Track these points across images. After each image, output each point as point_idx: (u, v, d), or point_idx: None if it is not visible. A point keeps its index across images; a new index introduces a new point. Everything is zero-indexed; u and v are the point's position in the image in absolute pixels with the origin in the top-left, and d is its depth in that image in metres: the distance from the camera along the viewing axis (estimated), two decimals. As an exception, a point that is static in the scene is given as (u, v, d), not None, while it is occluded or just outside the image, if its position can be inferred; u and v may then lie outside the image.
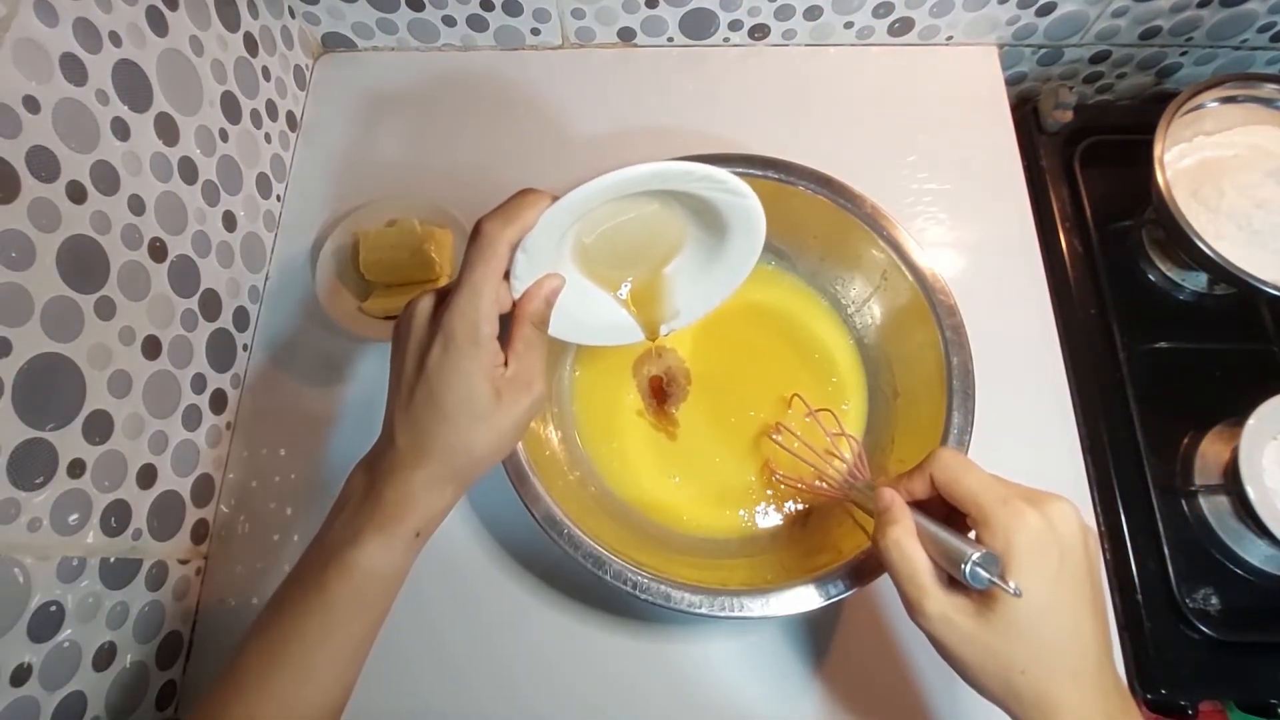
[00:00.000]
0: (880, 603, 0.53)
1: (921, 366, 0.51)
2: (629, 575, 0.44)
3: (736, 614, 0.43)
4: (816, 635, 0.52)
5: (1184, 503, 0.57)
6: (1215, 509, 0.56)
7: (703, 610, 0.43)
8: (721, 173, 0.36)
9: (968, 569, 0.33)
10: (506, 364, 0.36)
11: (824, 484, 0.49)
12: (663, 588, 0.44)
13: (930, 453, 0.37)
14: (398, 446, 0.35)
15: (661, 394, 0.55)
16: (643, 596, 0.44)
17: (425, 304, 0.36)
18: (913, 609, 0.35)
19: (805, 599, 0.43)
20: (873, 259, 0.53)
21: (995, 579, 0.32)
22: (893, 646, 0.52)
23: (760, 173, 0.53)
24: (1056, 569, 0.33)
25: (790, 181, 0.52)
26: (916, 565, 0.34)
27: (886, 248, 0.51)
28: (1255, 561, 0.55)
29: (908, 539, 0.35)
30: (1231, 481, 0.53)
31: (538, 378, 0.37)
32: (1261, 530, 0.52)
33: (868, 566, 0.44)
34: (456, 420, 0.34)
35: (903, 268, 0.51)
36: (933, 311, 0.49)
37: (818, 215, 0.53)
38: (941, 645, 0.34)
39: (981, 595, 0.33)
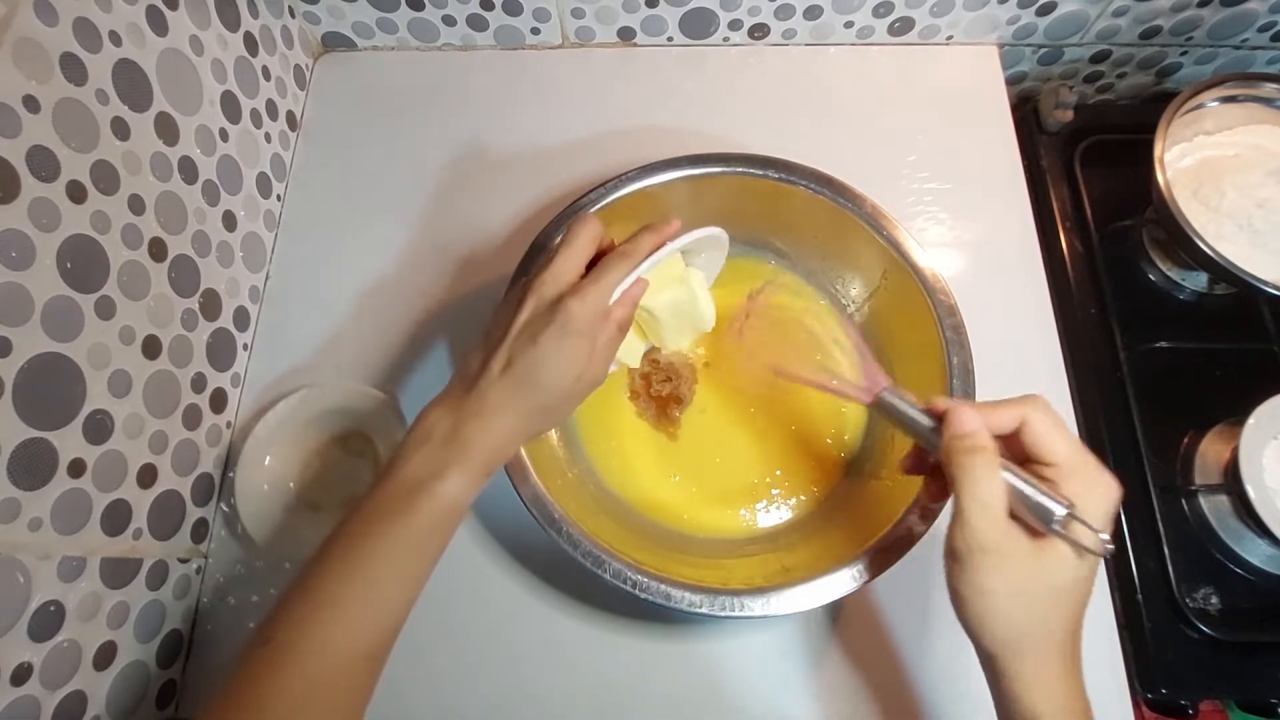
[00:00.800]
0: (881, 602, 0.53)
1: (921, 366, 0.51)
2: (629, 575, 0.44)
3: (737, 614, 0.43)
4: (817, 634, 0.52)
5: (1184, 502, 0.57)
6: (1215, 509, 0.56)
7: (703, 610, 0.43)
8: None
9: (1058, 514, 0.33)
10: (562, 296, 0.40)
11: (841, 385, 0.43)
12: (663, 587, 0.44)
13: (1024, 397, 0.37)
14: (488, 400, 0.39)
15: (658, 396, 0.55)
16: (642, 596, 0.44)
17: (552, 286, 0.40)
18: (975, 538, 0.34)
19: (806, 598, 0.43)
20: (873, 259, 0.53)
21: (1093, 532, 0.33)
22: (893, 645, 0.52)
23: (760, 172, 0.53)
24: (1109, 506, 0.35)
25: (790, 181, 0.52)
26: (998, 497, 0.34)
27: (887, 247, 0.51)
28: (1255, 561, 0.55)
29: (998, 473, 0.35)
30: (1232, 481, 0.53)
31: (606, 371, 0.42)
32: (1261, 530, 0.52)
33: (869, 564, 0.44)
34: (549, 393, 0.39)
35: (903, 267, 0.51)
36: (933, 311, 0.49)
37: (818, 215, 0.53)
38: (976, 581, 0.35)
39: (1037, 542, 0.34)
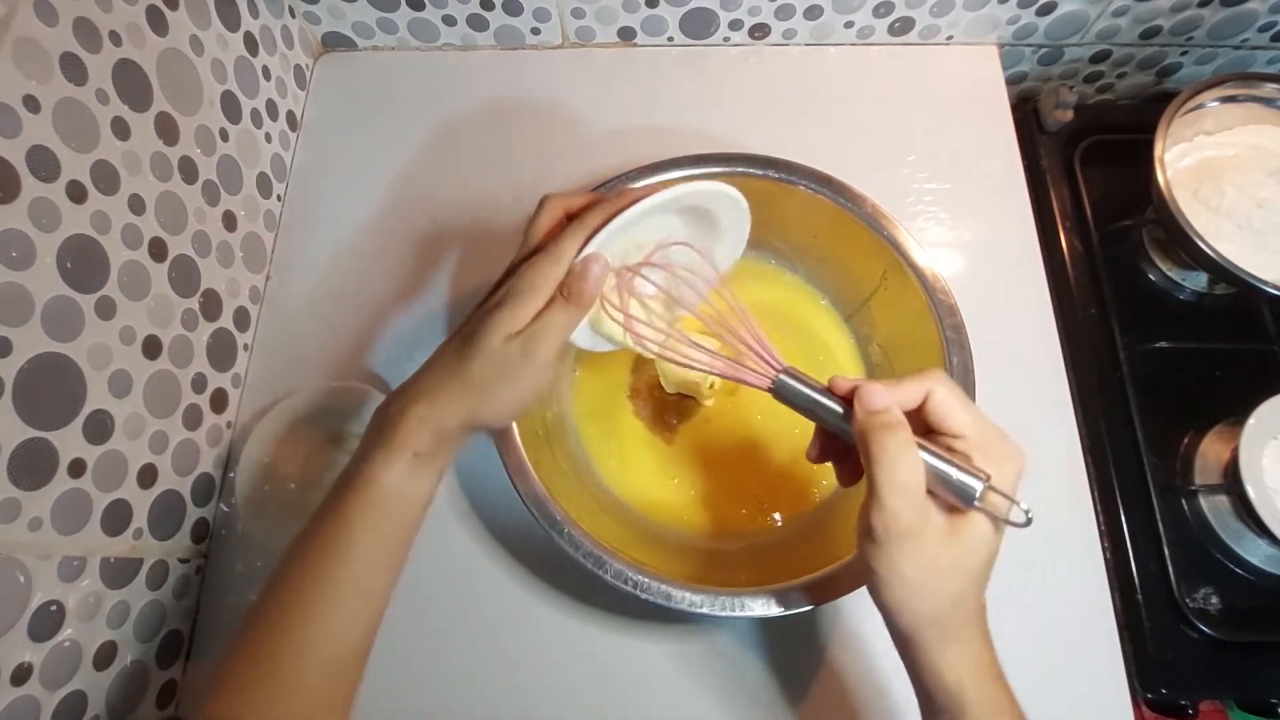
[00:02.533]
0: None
1: (922, 366, 0.50)
2: (629, 575, 0.44)
3: (737, 613, 0.43)
4: (818, 634, 0.52)
5: (1184, 502, 0.57)
6: (1215, 508, 0.56)
7: (703, 610, 0.43)
8: (732, 189, 0.43)
9: (979, 489, 0.32)
10: (524, 332, 0.38)
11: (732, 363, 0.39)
12: (663, 587, 0.44)
13: (925, 371, 0.35)
14: (420, 382, 0.38)
15: (658, 399, 0.55)
16: (643, 595, 0.44)
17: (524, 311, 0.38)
18: (895, 522, 0.33)
19: (806, 598, 0.43)
20: (873, 259, 0.53)
21: (1013, 503, 0.33)
22: (891, 645, 0.52)
23: (760, 172, 0.53)
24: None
25: (791, 181, 0.52)
26: (917, 476, 0.33)
27: (887, 247, 0.51)
28: (1255, 561, 0.55)
29: (913, 446, 0.33)
30: (1232, 481, 0.53)
31: (552, 347, 0.38)
32: (1261, 530, 0.52)
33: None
34: (481, 364, 0.37)
35: (903, 267, 0.51)
36: (933, 311, 0.49)
37: (818, 215, 0.53)
38: (896, 564, 0.34)
39: (954, 520, 0.34)
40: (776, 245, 0.58)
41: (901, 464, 0.33)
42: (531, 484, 0.46)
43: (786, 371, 0.38)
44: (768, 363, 0.38)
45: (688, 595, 0.44)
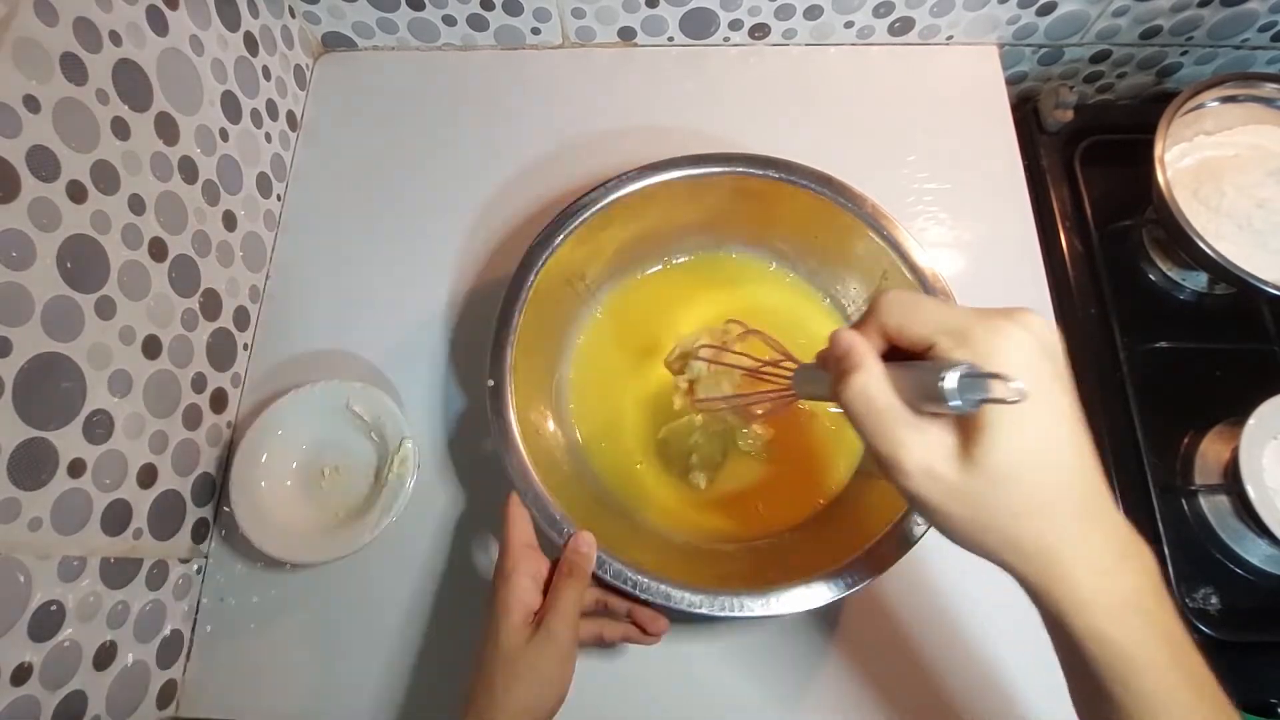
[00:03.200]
0: (881, 601, 0.53)
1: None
2: (629, 575, 0.44)
3: (737, 613, 0.43)
4: (818, 634, 0.52)
5: (1184, 502, 0.57)
6: (1215, 508, 0.56)
7: (703, 610, 0.43)
8: None
9: (952, 383, 0.26)
10: (540, 618, 0.41)
11: (758, 393, 0.43)
12: (663, 587, 0.44)
13: (873, 298, 0.31)
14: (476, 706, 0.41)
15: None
16: (643, 596, 0.44)
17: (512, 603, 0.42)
18: (890, 466, 0.29)
19: (806, 598, 0.43)
20: (873, 259, 0.53)
21: (991, 388, 0.26)
22: (894, 644, 0.52)
23: (760, 172, 0.53)
24: (1050, 383, 0.28)
25: (791, 181, 0.52)
26: (888, 411, 0.29)
27: (887, 248, 0.51)
28: (1255, 561, 0.55)
29: (875, 381, 0.29)
30: (1232, 481, 0.53)
31: (566, 628, 0.41)
32: (1261, 530, 0.52)
33: (869, 564, 0.44)
34: (533, 689, 0.40)
35: (903, 268, 0.51)
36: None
37: (818, 215, 0.53)
38: (925, 505, 0.29)
39: (965, 434, 0.28)
40: (777, 246, 0.58)
41: (860, 404, 0.29)
42: (531, 483, 0.46)
43: (799, 370, 0.39)
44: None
45: (687, 595, 0.44)
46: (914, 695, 0.51)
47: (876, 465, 0.30)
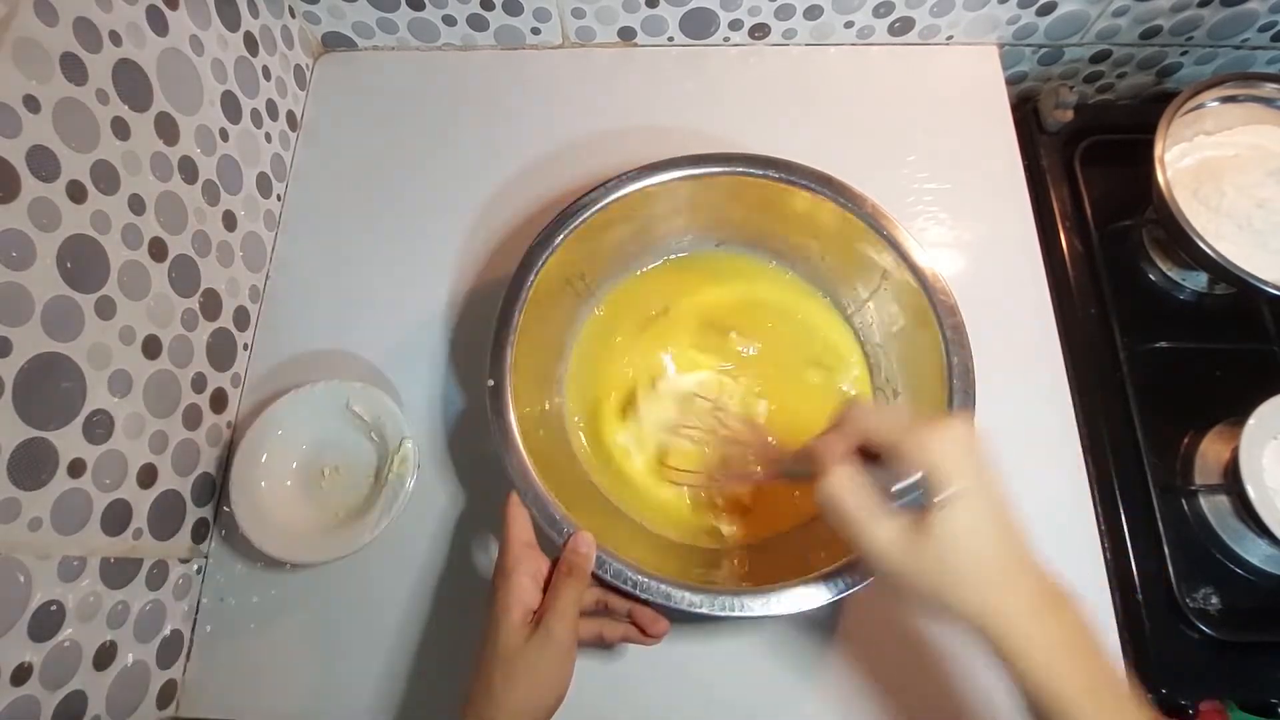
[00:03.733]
0: (881, 602, 0.53)
1: (922, 366, 0.51)
2: (629, 575, 0.44)
3: (737, 613, 0.43)
4: (817, 635, 0.52)
5: (1184, 502, 0.57)
6: (1215, 508, 0.56)
7: (703, 610, 0.43)
8: None
9: (904, 489, 0.35)
10: (540, 617, 0.41)
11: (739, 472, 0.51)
12: (663, 587, 0.44)
13: (837, 411, 0.39)
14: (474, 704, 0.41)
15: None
16: (643, 595, 0.44)
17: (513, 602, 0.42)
18: (862, 545, 0.36)
19: (806, 598, 0.43)
20: (873, 259, 0.53)
21: (933, 496, 0.34)
22: (893, 645, 0.52)
23: (761, 172, 0.53)
24: (974, 476, 0.35)
25: (791, 181, 0.52)
26: (856, 505, 0.36)
27: (887, 248, 0.51)
28: (1255, 561, 0.55)
29: (844, 482, 0.36)
30: (1232, 481, 0.53)
31: (566, 628, 0.41)
32: (1261, 530, 0.52)
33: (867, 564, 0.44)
34: (533, 689, 0.41)
35: (903, 268, 0.51)
36: (933, 311, 0.49)
37: (818, 215, 0.53)
38: (891, 576, 0.36)
39: (916, 520, 0.35)
40: (777, 245, 0.58)
41: (834, 502, 0.36)
42: (531, 483, 0.46)
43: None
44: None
45: (687, 595, 0.44)
46: (914, 695, 0.51)
47: (855, 548, 0.37)
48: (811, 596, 0.43)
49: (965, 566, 0.35)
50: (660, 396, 0.54)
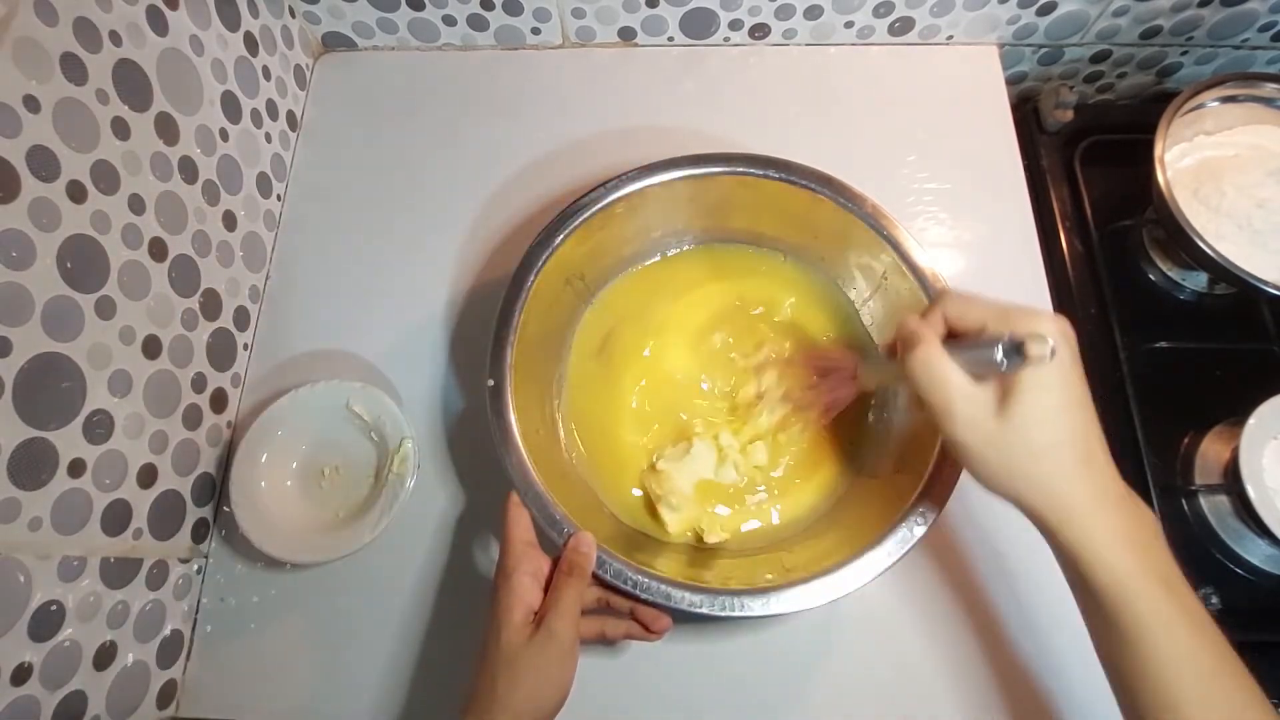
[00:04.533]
0: (881, 601, 0.53)
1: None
2: (629, 575, 0.44)
3: (737, 613, 0.43)
4: (817, 635, 0.52)
5: (1184, 502, 0.57)
6: (1215, 508, 0.56)
7: (703, 610, 0.43)
8: None
9: (1000, 350, 0.34)
10: (541, 617, 0.41)
11: (823, 391, 0.50)
12: (663, 587, 0.44)
13: (936, 294, 0.41)
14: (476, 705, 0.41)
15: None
16: (643, 595, 0.44)
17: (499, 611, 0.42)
18: (943, 417, 0.36)
19: (806, 598, 0.43)
20: (874, 259, 0.53)
21: (1030, 356, 0.33)
22: (893, 645, 0.52)
23: (761, 172, 0.53)
24: (1067, 363, 0.35)
25: (791, 181, 0.52)
26: (944, 375, 0.36)
27: (888, 248, 0.51)
28: (1255, 561, 0.55)
29: (934, 352, 0.36)
30: (1232, 481, 0.53)
31: (567, 627, 0.41)
32: (1262, 530, 0.52)
33: (866, 565, 0.44)
34: (536, 689, 0.40)
35: (904, 268, 0.51)
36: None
37: (819, 215, 0.53)
38: (967, 449, 0.36)
39: (1001, 394, 0.35)
40: (777, 244, 0.58)
41: (922, 370, 0.36)
42: (532, 484, 0.46)
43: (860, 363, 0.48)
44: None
45: (687, 595, 0.44)
46: (915, 694, 0.51)
47: (933, 417, 0.37)
48: (811, 596, 0.43)
49: (1042, 443, 0.35)
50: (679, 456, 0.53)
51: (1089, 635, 0.37)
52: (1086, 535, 0.35)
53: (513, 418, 0.48)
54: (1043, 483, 0.35)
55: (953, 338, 0.38)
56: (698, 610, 0.43)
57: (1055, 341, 0.33)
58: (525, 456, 0.47)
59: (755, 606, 0.43)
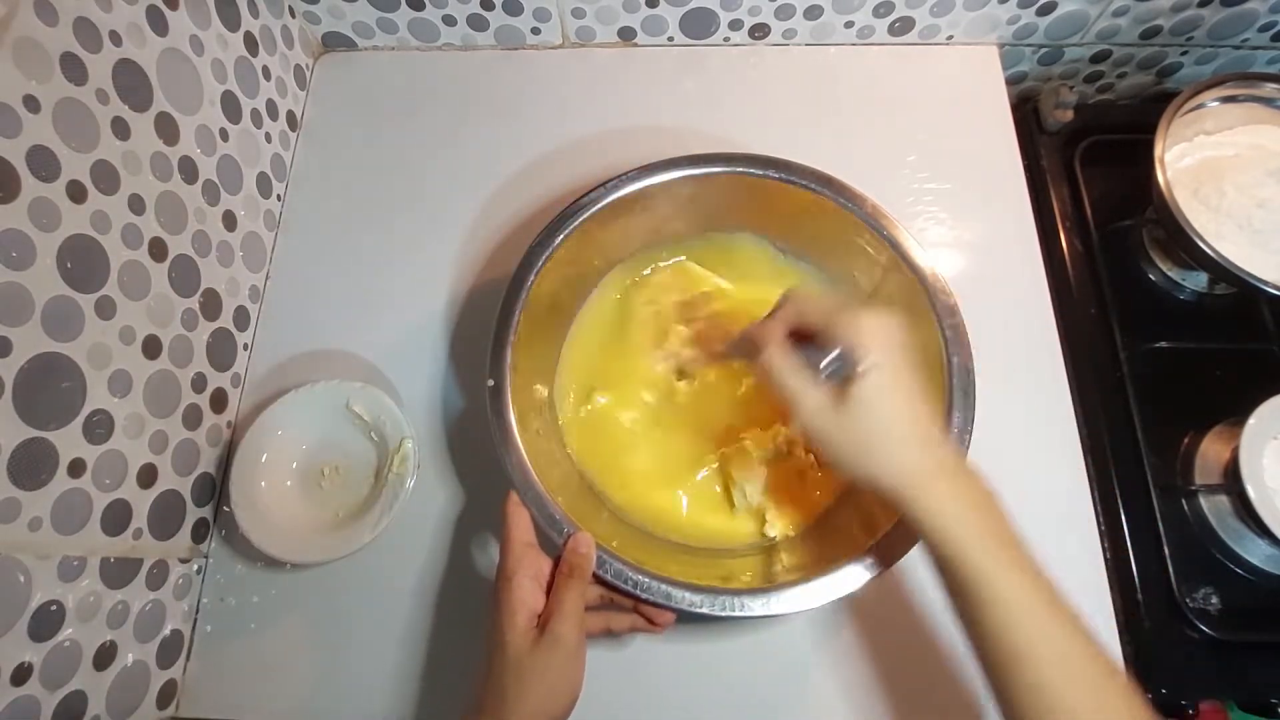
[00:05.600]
0: (882, 601, 0.53)
1: (922, 366, 0.50)
2: (629, 575, 0.44)
3: (737, 613, 0.43)
4: (818, 634, 0.52)
5: (1184, 502, 0.57)
6: (1215, 508, 0.56)
7: (703, 610, 0.43)
8: None
9: (829, 362, 0.39)
10: (545, 621, 0.41)
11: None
12: (663, 587, 0.44)
13: (782, 296, 0.43)
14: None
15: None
16: (643, 595, 0.44)
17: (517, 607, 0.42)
18: (795, 408, 0.40)
19: (806, 598, 0.43)
20: (873, 258, 0.53)
21: (853, 370, 0.38)
22: (894, 644, 0.52)
23: (760, 172, 0.53)
24: (889, 353, 0.39)
25: (791, 181, 0.52)
26: (790, 373, 0.40)
27: (887, 247, 0.51)
28: (1255, 561, 0.55)
29: (780, 353, 0.41)
30: (1232, 481, 0.53)
31: (572, 629, 0.41)
32: (1262, 530, 0.52)
33: (870, 563, 0.44)
34: (544, 693, 0.40)
35: (903, 267, 0.51)
36: (933, 311, 0.49)
37: (819, 214, 0.53)
38: (818, 434, 0.40)
39: (843, 389, 0.39)
40: (777, 245, 0.58)
41: (772, 369, 0.41)
42: (532, 484, 0.46)
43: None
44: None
45: (687, 595, 0.44)
46: (915, 692, 0.51)
47: (788, 409, 0.41)
48: (811, 596, 0.43)
49: (880, 431, 0.39)
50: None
51: (953, 614, 0.39)
52: (928, 501, 0.37)
53: (512, 418, 0.48)
54: (885, 463, 0.39)
55: (799, 336, 0.42)
56: (698, 610, 0.43)
57: (876, 352, 0.38)
58: (525, 456, 0.47)
59: (755, 606, 0.43)
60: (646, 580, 0.44)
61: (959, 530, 0.37)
